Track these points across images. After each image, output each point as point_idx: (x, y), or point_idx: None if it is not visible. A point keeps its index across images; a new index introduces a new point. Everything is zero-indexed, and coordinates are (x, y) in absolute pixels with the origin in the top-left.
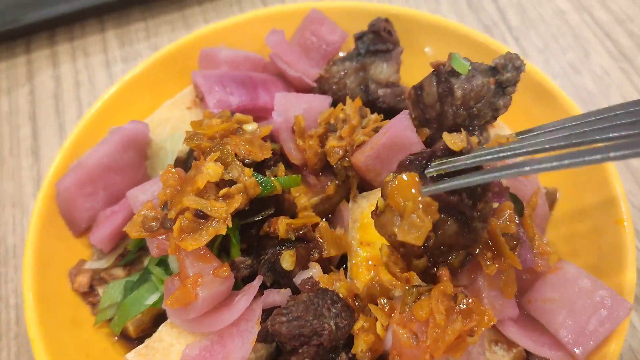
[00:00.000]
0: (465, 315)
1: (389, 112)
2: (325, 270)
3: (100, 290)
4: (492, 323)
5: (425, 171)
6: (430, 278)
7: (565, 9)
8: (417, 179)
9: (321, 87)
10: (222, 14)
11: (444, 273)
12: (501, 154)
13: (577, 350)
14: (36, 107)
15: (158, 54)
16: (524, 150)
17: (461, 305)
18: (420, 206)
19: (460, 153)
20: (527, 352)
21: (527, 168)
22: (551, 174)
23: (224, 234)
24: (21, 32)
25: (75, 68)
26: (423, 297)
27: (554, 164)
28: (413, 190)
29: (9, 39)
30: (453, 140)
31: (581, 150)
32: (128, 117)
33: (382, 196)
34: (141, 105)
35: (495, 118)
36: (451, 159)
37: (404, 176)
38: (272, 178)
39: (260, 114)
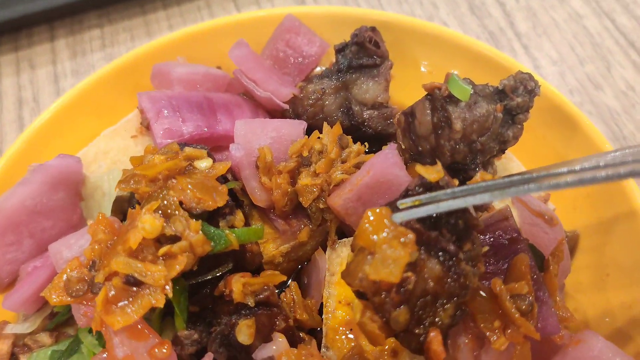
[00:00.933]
0: None
1: (376, 139)
2: (294, 340)
3: (23, 359)
4: None
5: (398, 202)
6: (420, 350)
7: (582, 13)
8: (388, 211)
9: (294, 109)
10: (189, 19)
11: (434, 336)
12: (482, 189)
13: None
14: None
15: (107, 67)
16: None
17: None
18: (393, 235)
19: (438, 187)
20: None
21: (498, 192)
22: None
23: (161, 306)
24: None
25: (19, 82)
26: None
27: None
28: (385, 221)
29: None
30: (428, 171)
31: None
32: (64, 147)
33: (351, 246)
34: (84, 130)
35: (503, 152)
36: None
37: (375, 210)
38: (227, 231)
39: (221, 143)
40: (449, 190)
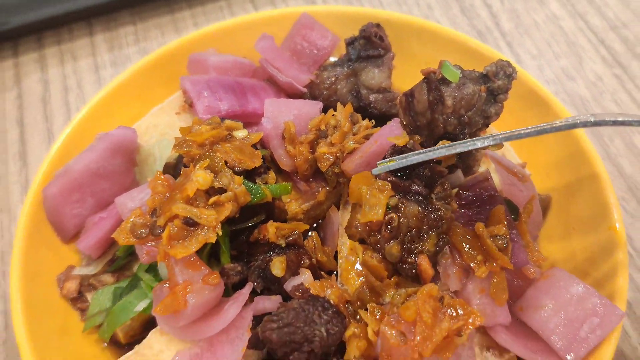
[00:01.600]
0: (452, 316)
1: (381, 118)
2: (316, 277)
3: (89, 296)
4: (479, 323)
5: (377, 163)
6: (416, 277)
7: (559, 14)
8: (369, 173)
9: (312, 92)
10: (212, 18)
11: (422, 259)
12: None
13: (568, 357)
14: (24, 111)
15: (146, 59)
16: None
17: (448, 309)
18: (374, 187)
19: (407, 149)
20: (518, 358)
21: (454, 147)
22: (545, 181)
23: (214, 241)
24: (8, 35)
25: (64, 72)
26: (410, 299)
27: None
28: (367, 179)
29: None
30: (397, 139)
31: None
32: (116, 123)
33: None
34: (129, 111)
35: (487, 125)
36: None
37: (360, 174)
38: (263, 186)
39: (250, 120)
40: (415, 151)
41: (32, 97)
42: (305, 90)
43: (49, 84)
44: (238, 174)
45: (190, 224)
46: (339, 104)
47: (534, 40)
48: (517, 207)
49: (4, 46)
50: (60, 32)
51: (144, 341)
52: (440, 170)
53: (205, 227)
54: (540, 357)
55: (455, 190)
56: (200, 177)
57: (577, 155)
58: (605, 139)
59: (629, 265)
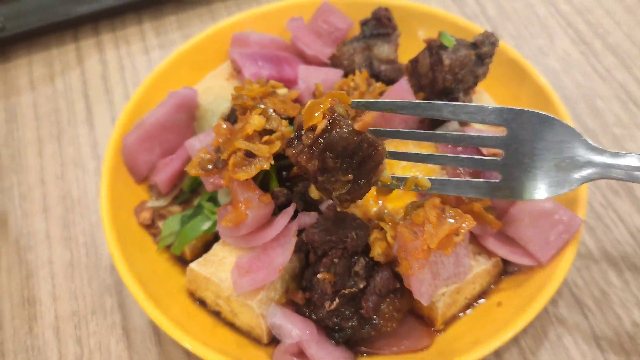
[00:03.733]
0: (451, 221)
1: (390, 84)
2: None
3: (160, 224)
4: (472, 225)
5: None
6: None
7: (534, 2)
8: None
9: (334, 63)
10: (244, 9)
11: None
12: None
13: (542, 257)
14: (87, 86)
15: (197, 37)
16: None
17: (448, 215)
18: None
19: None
20: (503, 261)
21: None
22: None
23: (268, 169)
24: (69, 24)
25: (119, 54)
26: (419, 209)
27: None
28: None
29: (59, 30)
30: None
31: None
32: (178, 86)
33: None
34: (185, 78)
35: (475, 84)
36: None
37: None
38: None
39: (287, 85)
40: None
41: (93, 74)
42: (328, 62)
43: (107, 64)
44: (283, 119)
45: (249, 155)
46: (357, 70)
47: (514, 24)
48: None
49: (65, 34)
50: (113, 22)
51: (210, 251)
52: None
53: (261, 158)
54: (520, 257)
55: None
56: (256, 120)
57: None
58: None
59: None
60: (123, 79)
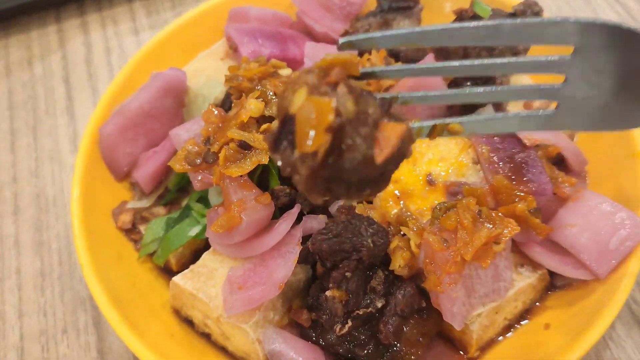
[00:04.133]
0: (489, 226)
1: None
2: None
3: (142, 228)
4: (516, 231)
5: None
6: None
7: None
8: None
9: None
10: None
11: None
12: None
13: (599, 269)
14: (69, 71)
15: (190, 13)
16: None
17: (486, 219)
18: None
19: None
20: (550, 274)
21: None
22: None
23: (266, 162)
24: (51, 2)
25: (105, 35)
26: (450, 211)
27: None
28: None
29: (40, 9)
30: None
31: None
32: (166, 67)
33: None
34: (176, 58)
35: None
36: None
37: None
38: None
39: (291, 66)
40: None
41: (76, 58)
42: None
43: (92, 46)
44: None
45: (244, 146)
46: (373, 49)
47: (556, 0)
48: None
49: (47, 14)
50: (100, 1)
51: (198, 262)
52: None
53: (258, 150)
54: (572, 269)
55: None
56: (253, 106)
57: None
58: None
59: None
60: (109, 63)
